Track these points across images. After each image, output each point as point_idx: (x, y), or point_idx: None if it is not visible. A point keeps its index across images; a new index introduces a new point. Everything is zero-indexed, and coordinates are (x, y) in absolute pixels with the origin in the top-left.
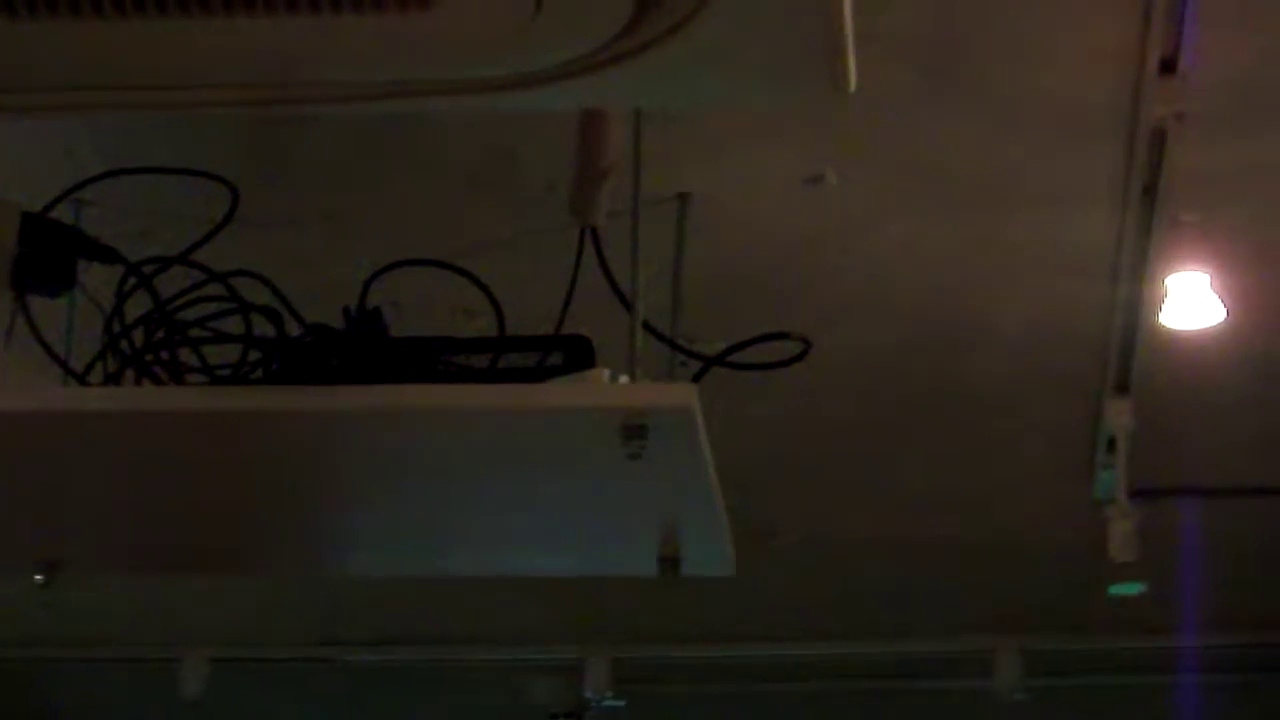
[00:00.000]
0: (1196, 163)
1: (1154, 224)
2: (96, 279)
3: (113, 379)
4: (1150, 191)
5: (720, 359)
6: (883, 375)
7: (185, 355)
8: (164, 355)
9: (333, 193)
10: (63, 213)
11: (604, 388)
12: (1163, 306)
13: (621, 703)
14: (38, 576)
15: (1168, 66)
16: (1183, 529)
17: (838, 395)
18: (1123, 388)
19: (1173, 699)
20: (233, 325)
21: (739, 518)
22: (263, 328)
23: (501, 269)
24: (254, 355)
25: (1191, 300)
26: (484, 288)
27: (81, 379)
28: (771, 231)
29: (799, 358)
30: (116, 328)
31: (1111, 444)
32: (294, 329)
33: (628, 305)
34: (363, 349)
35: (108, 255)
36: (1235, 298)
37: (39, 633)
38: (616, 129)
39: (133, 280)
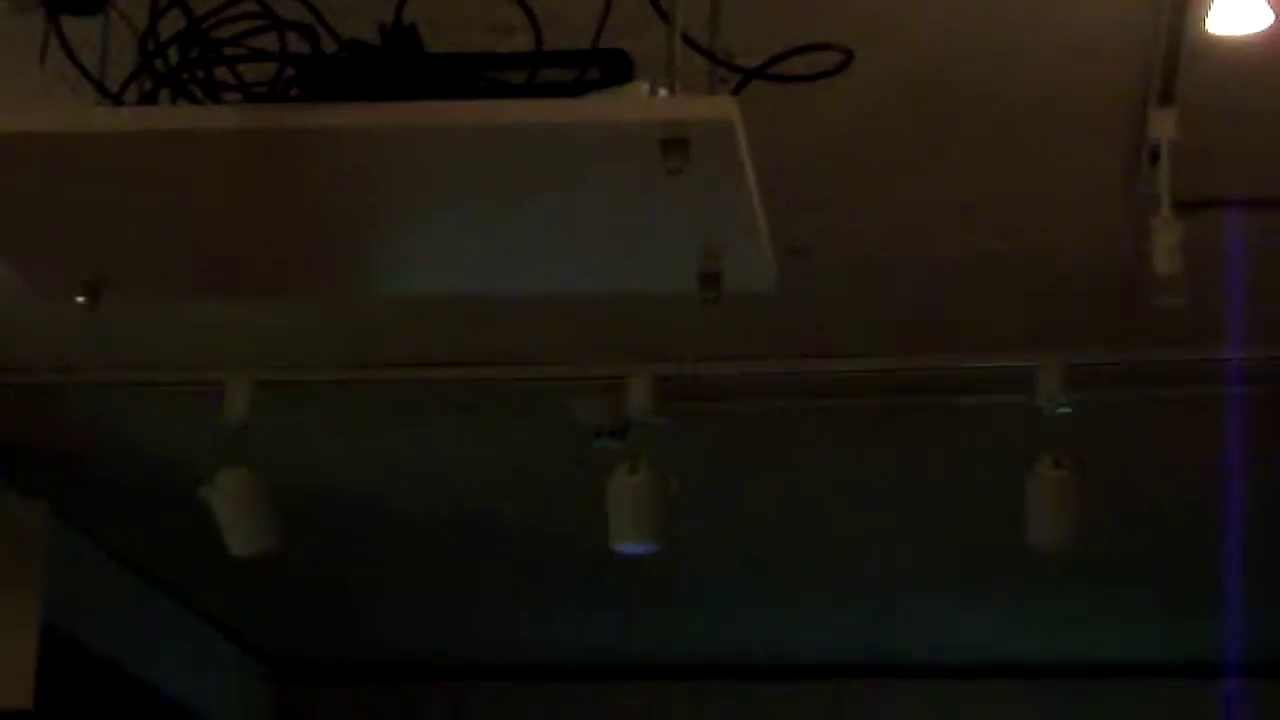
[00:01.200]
0: None
1: None
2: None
3: (148, 98)
4: None
5: (760, 71)
6: (920, 88)
7: (221, 74)
8: (199, 73)
9: None
10: None
11: (643, 101)
12: (1209, 11)
13: (666, 420)
14: (79, 299)
15: None
16: (1226, 241)
17: (877, 110)
18: (1167, 97)
19: (1216, 411)
20: (268, 43)
21: (778, 235)
22: (299, 46)
23: None
24: (290, 73)
25: (1238, 4)
26: (520, 2)
27: (116, 99)
28: None
29: (839, 69)
30: (151, 46)
31: (1155, 155)
32: (330, 46)
33: (665, 17)
34: (399, 65)
35: None
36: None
37: (80, 358)
38: None
39: None
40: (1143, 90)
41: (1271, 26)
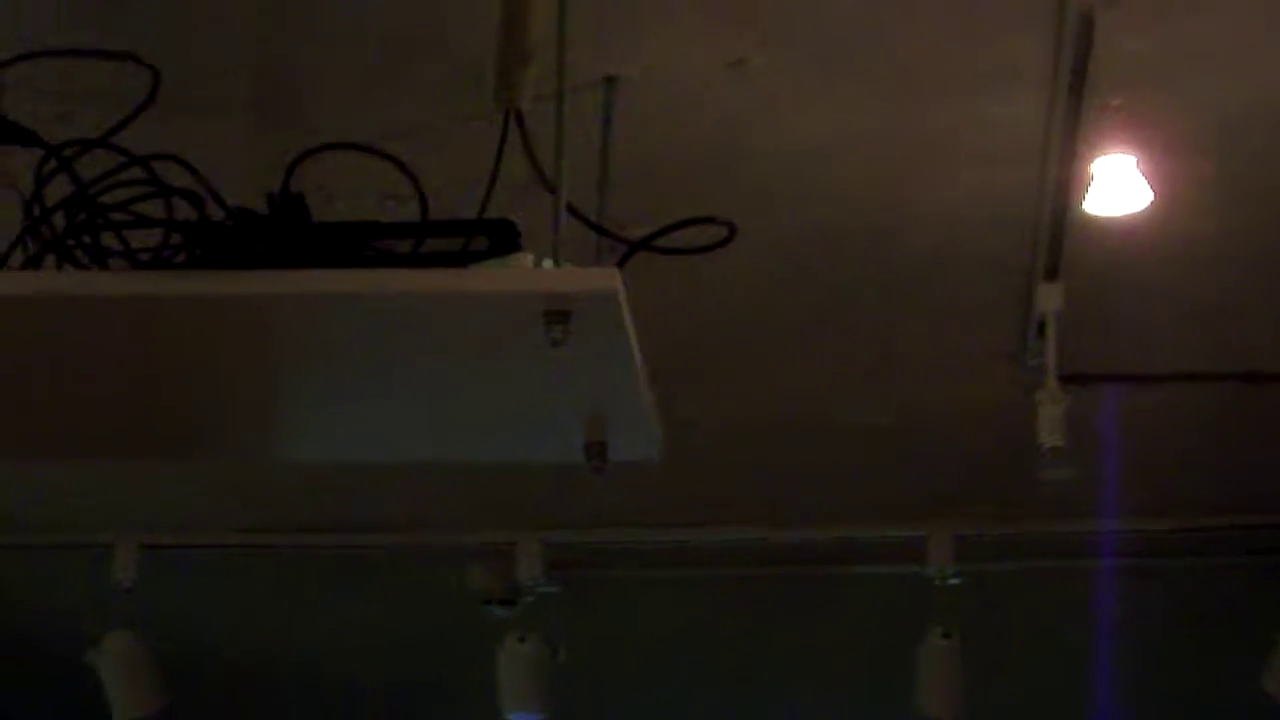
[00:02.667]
0: (1125, 47)
1: (1082, 108)
2: (16, 162)
3: (33, 263)
4: (1079, 75)
5: (645, 243)
6: (810, 260)
7: (107, 240)
8: (85, 239)
9: (255, 76)
10: None
11: (527, 272)
12: (1089, 191)
13: (555, 587)
14: None
15: None
16: (1110, 414)
17: (765, 280)
18: (1052, 272)
19: (1101, 582)
20: (155, 210)
21: (666, 404)
22: (185, 213)
23: (428, 153)
24: (176, 240)
25: (1118, 184)
26: (408, 172)
27: (1, 263)
28: (698, 116)
29: (724, 242)
30: (36, 211)
31: (1041, 328)
32: (217, 214)
33: (551, 189)
34: (285, 233)
35: (27, 138)
36: (1162, 182)
37: None
38: (540, 10)
39: (53, 163)
40: (1029, 265)
41: (1151, 205)
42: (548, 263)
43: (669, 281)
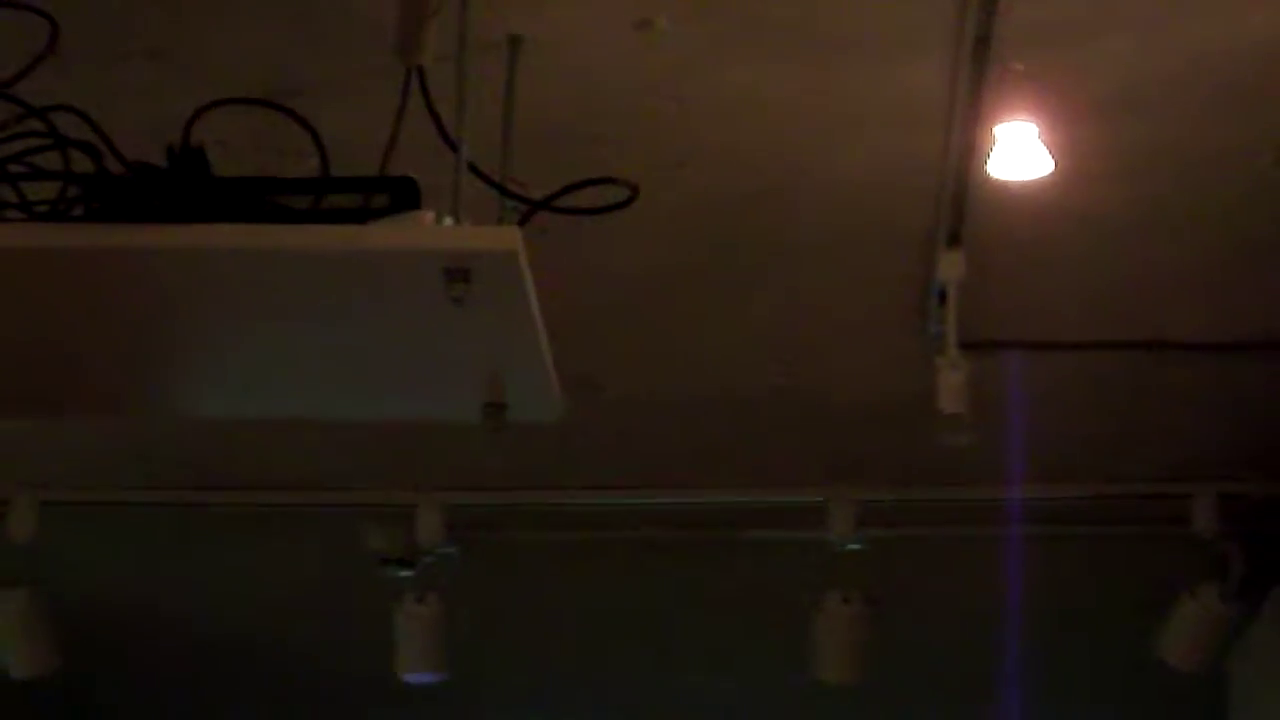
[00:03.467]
0: (1028, 11)
1: (986, 73)
2: None
3: None
4: (983, 40)
5: (546, 203)
6: (714, 225)
7: (3, 193)
8: None
9: (157, 28)
10: None
11: (427, 229)
12: (990, 156)
13: (454, 548)
14: None
15: None
16: (1010, 381)
17: (668, 244)
18: (954, 239)
19: (1000, 549)
20: (53, 163)
21: (567, 367)
22: (84, 166)
23: (330, 110)
24: (74, 193)
25: (1020, 151)
26: (309, 127)
27: None
28: (605, 78)
29: (626, 203)
30: None
31: (943, 296)
32: (115, 167)
33: (454, 147)
34: (185, 187)
35: None
36: (1063, 150)
37: None
38: None
39: None
40: (931, 232)
41: (1052, 174)
42: (449, 221)
43: (573, 245)
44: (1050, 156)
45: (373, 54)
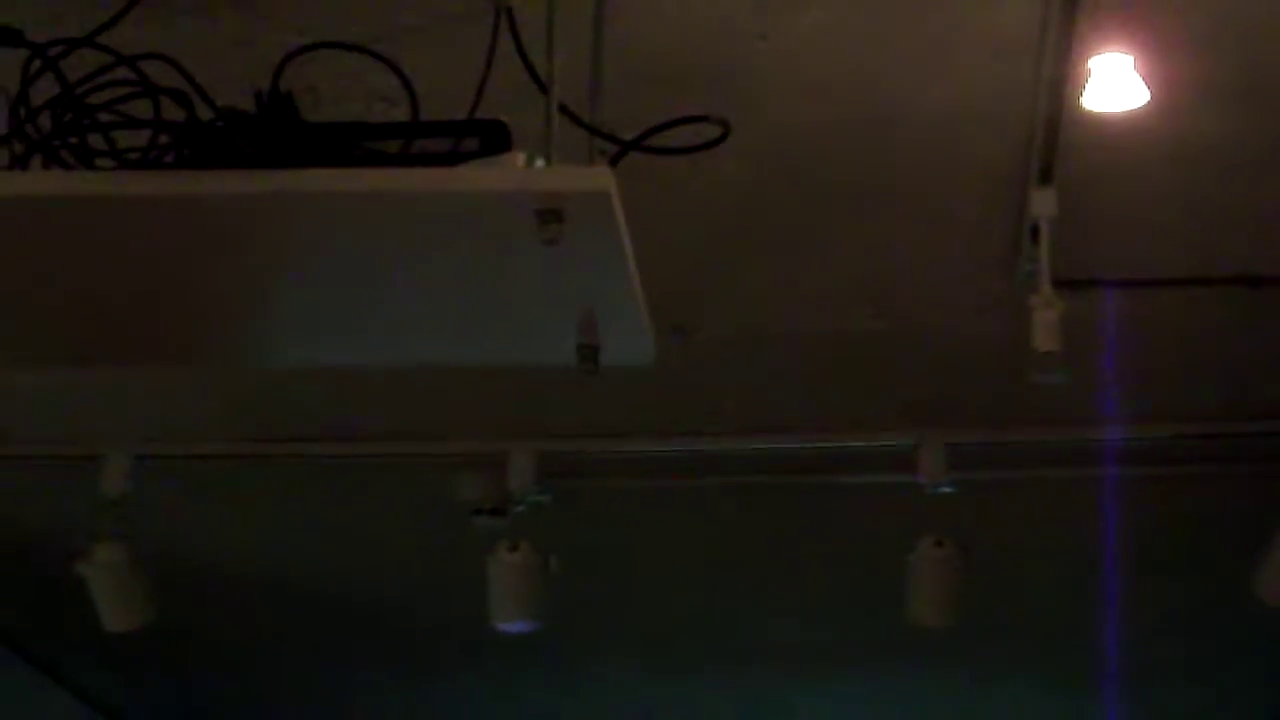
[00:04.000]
0: None
1: (1079, 4)
2: (1, 63)
3: (19, 164)
4: None
5: (637, 143)
6: (803, 163)
7: (94, 141)
8: (72, 140)
9: None
10: None
11: (518, 171)
12: (1085, 89)
13: (546, 497)
14: None
15: None
16: (1107, 319)
17: (756, 185)
18: (1046, 175)
19: (1097, 490)
20: (143, 110)
21: (658, 310)
22: (174, 113)
23: (420, 54)
24: (164, 141)
25: (1115, 83)
26: (399, 72)
27: None
28: (691, 17)
29: (717, 142)
30: (22, 112)
31: (1035, 233)
32: (206, 114)
33: (544, 88)
34: (274, 133)
35: (12, 39)
36: (1159, 81)
37: None
38: None
39: (38, 63)
40: (1023, 168)
41: (1148, 105)
42: (540, 163)
43: (663, 186)
44: (1146, 88)
45: None
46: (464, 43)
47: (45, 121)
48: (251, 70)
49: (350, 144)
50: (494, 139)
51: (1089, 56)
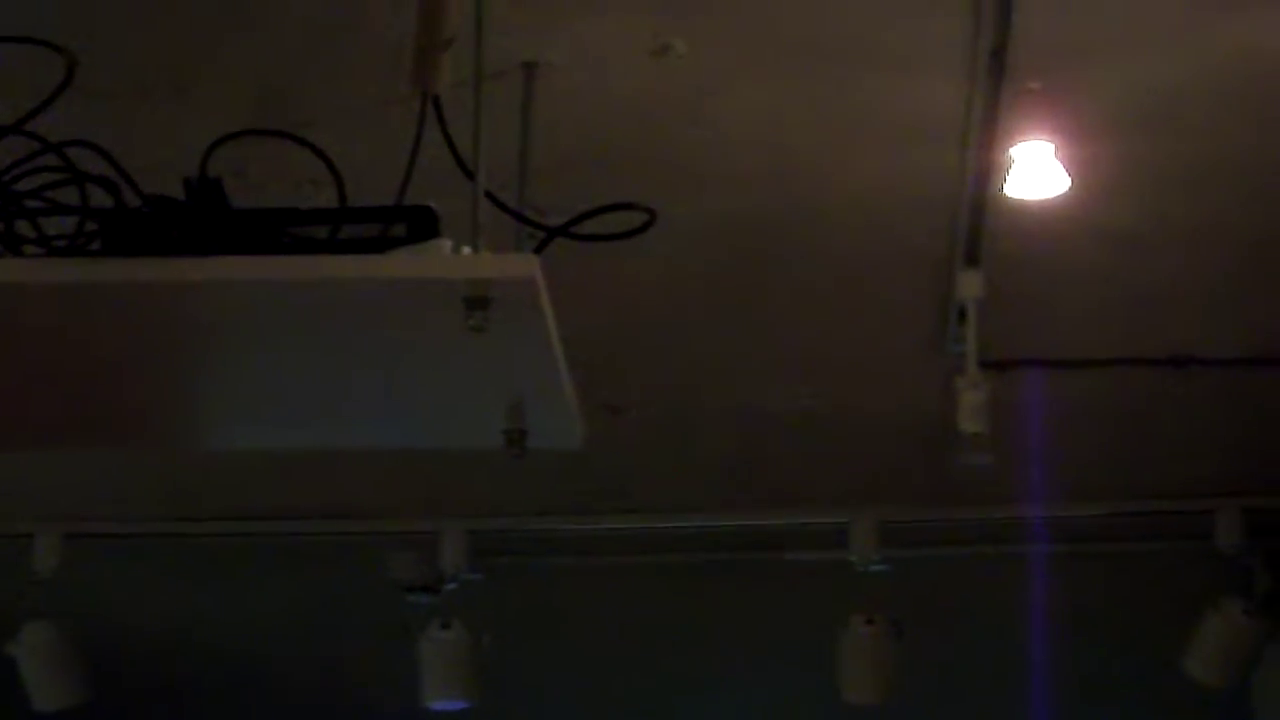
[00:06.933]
0: (1043, 30)
1: (1001, 92)
2: None
3: None
4: (998, 58)
5: (564, 229)
6: (732, 247)
7: (21, 228)
8: None
9: (172, 63)
10: None
11: (445, 258)
12: (1007, 177)
13: (478, 575)
14: None
15: None
16: (1031, 399)
17: (688, 267)
18: (972, 258)
19: (1026, 568)
20: (70, 197)
21: (588, 391)
22: (101, 200)
23: (348, 139)
24: (92, 228)
25: (1037, 169)
26: (325, 158)
27: None
28: (620, 102)
29: (643, 228)
30: None
31: (962, 314)
32: (133, 201)
33: (470, 175)
34: (202, 220)
35: None
36: (1080, 167)
37: None
38: None
39: None
40: (950, 251)
41: (1068, 191)
42: (467, 249)
43: (592, 269)
44: (1067, 174)
45: (389, 83)
46: (392, 127)
47: None
48: (179, 156)
49: (278, 230)
50: (421, 225)
51: (1012, 142)
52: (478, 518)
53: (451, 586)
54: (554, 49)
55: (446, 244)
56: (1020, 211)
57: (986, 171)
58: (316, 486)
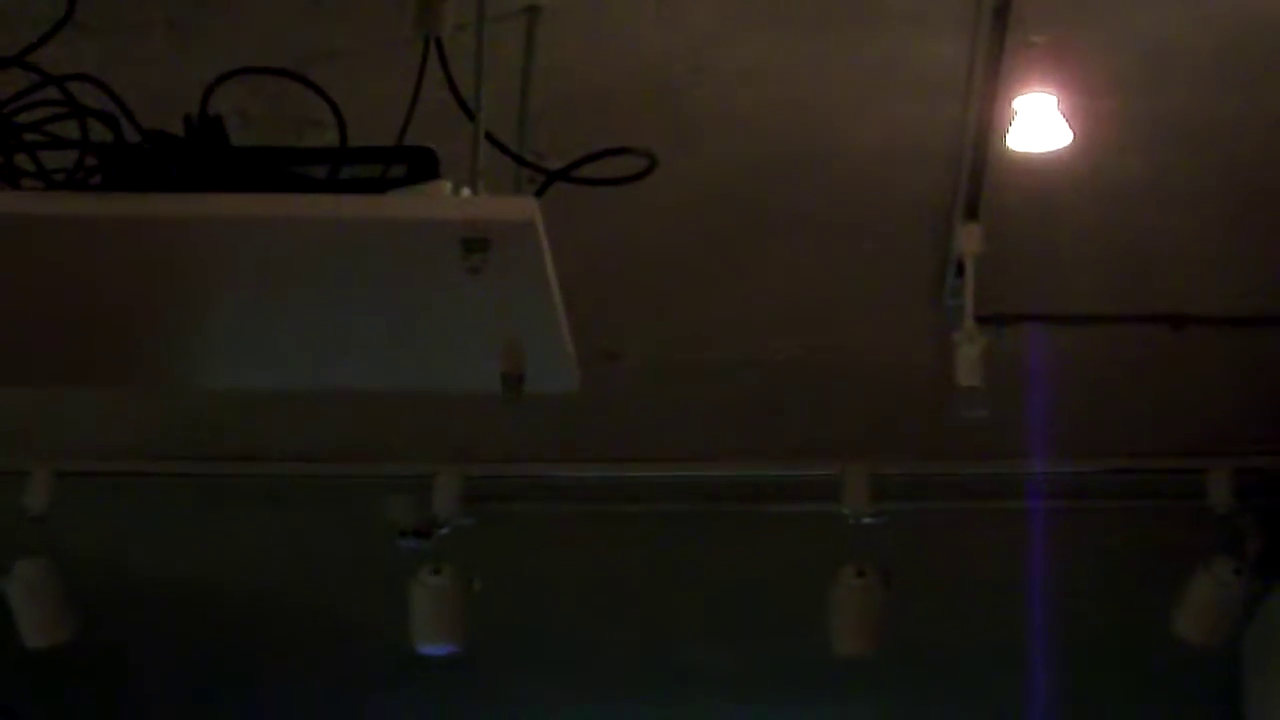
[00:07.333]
0: None
1: (1005, 45)
2: None
3: None
4: (1001, 12)
5: (563, 173)
6: (731, 195)
7: (20, 161)
8: None
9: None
10: None
11: (444, 199)
12: (1010, 129)
13: (470, 521)
14: None
15: None
16: (1029, 354)
17: (686, 214)
18: (972, 211)
19: (1019, 523)
20: (70, 131)
21: (585, 336)
22: (101, 135)
23: (350, 80)
24: (91, 162)
25: (1039, 123)
26: (327, 97)
27: None
28: (623, 48)
29: (643, 174)
30: None
31: (960, 268)
32: (134, 137)
33: (471, 116)
34: (202, 157)
35: None
36: (1082, 121)
37: None
38: None
39: None
40: (950, 204)
41: (1071, 145)
42: (466, 191)
43: (592, 213)
44: (1069, 128)
45: (392, 23)
46: (395, 68)
47: None
48: (180, 92)
49: (277, 169)
50: (421, 166)
51: (1015, 96)
52: (471, 463)
53: (444, 532)
54: None
55: (446, 185)
56: (1021, 166)
57: (988, 125)
58: (310, 428)
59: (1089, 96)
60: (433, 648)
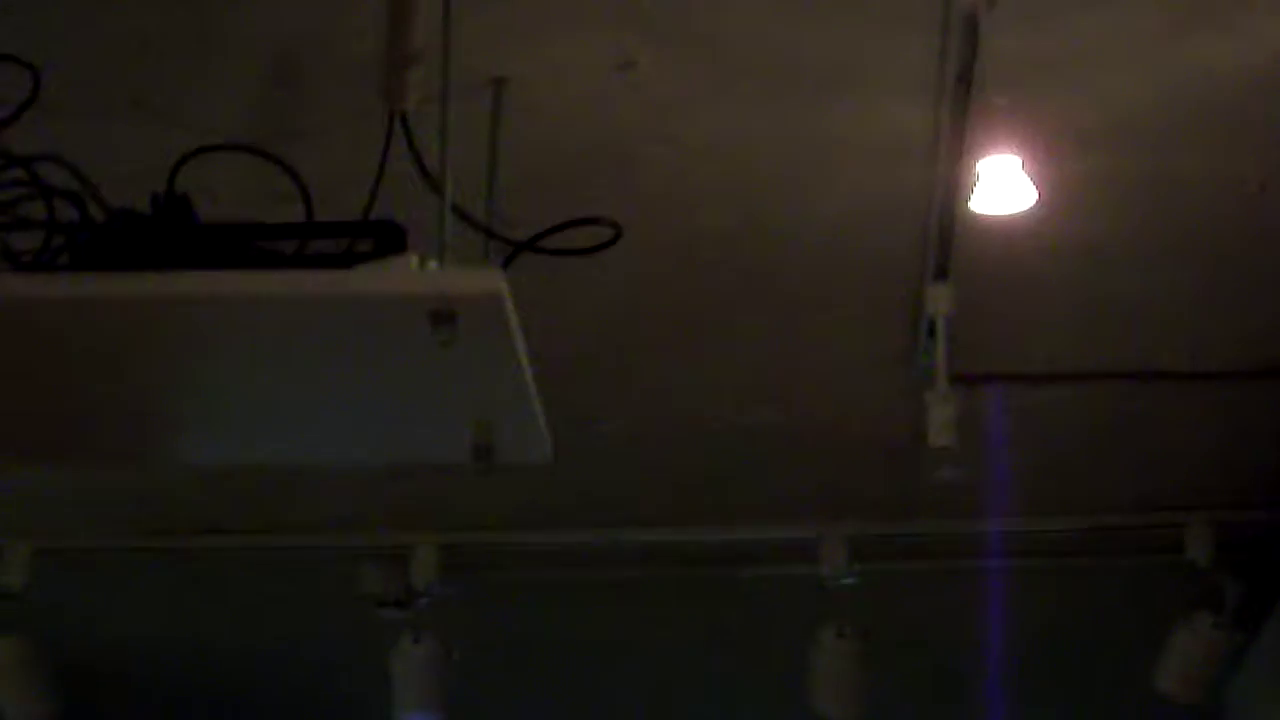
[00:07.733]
0: (1009, 46)
1: (969, 108)
2: None
3: None
4: (965, 75)
5: (530, 244)
6: (700, 263)
7: None
8: None
9: (140, 77)
10: None
11: (411, 274)
12: (974, 191)
13: (450, 590)
14: None
15: None
16: (1002, 414)
17: (656, 282)
18: (941, 272)
19: (994, 582)
20: (37, 212)
21: (558, 406)
22: (68, 215)
23: (316, 155)
24: (58, 242)
25: (1004, 184)
26: (292, 173)
27: None
28: (587, 118)
29: (610, 243)
30: None
31: (931, 329)
32: (100, 216)
33: (438, 190)
34: (169, 235)
35: None
36: (1049, 180)
37: None
38: (425, 11)
39: None
40: (920, 265)
41: (1036, 205)
42: (434, 264)
43: (560, 284)
44: (1034, 188)
45: (358, 97)
46: (361, 142)
47: None
48: (147, 171)
49: (245, 245)
50: (388, 240)
51: (979, 158)
52: (449, 531)
53: (423, 601)
54: (522, 65)
55: (413, 259)
56: (989, 226)
57: (955, 186)
58: (288, 500)
59: (1054, 156)
60: (415, 717)
